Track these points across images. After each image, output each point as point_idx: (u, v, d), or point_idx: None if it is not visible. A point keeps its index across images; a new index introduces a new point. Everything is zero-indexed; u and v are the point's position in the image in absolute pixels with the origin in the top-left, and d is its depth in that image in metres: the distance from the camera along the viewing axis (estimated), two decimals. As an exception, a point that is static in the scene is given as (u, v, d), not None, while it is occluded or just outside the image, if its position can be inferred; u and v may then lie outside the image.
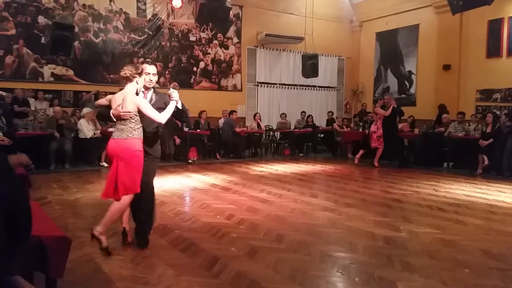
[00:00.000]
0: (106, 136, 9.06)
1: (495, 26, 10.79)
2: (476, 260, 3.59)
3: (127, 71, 3.57)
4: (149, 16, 11.34)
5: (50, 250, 2.27)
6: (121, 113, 3.48)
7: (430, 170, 9.44)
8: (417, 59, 12.71)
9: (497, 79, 10.70)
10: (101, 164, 9.09)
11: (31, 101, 9.42)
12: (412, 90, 12.90)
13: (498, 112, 10.12)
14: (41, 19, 9.91)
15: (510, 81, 10.45)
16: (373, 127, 10.03)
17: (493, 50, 10.88)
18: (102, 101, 3.86)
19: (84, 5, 10.46)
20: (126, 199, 3.54)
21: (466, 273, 3.28)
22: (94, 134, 9.06)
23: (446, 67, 11.58)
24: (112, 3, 10.83)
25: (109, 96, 3.77)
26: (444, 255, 3.71)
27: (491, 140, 8.82)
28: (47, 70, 10.03)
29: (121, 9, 10.93)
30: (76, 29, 9.97)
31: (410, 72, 12.96)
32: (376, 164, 9.97)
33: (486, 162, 8.95)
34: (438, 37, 11.90)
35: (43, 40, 9.86)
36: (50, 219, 2.81)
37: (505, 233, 4.44)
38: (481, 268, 3.39)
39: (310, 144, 12.71)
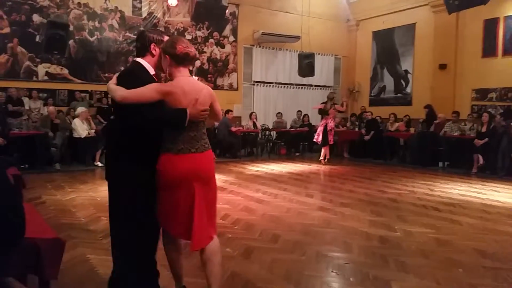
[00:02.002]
0: (100, 136, 9.11)
1: (491, 26, 10.83)
2: (470, 259, 3.60)
3: (193, 48, 2.48)
4: (144, 15, 11.30)
5: (43, 252, 2.26)
6: (203, 113, 2.40)
7: (426, 169, 9.48)
8: (413, 58, 12.74)
9: (492, 78, 10.75)
10: (95, 163, 9.06)
11: (25, 100, 9.39)
12: (408, 89, 12.93)
13: (493, 112, 10.17)
14: (36, 18, 9.85)
15: (506, 80, 10.50)
16: (332, 124, 10.16)
17: (488, 50, 10.92)
18: (144, 91, 2.27)
19: (79, 4, 10.41)
20: (216, 238, 2.55)
21: (460, 273, 3.29)
22: (89, 133, 9.02)
23: (442, 66, 11.61)
24: (107, 2, 10.77)
25: (155, 86, 2.33)
26: (439, 254, 3.72)
27: (486, 139, 8.86)
28: (41, 69, 9.97)
29: (116, 7, 10.88)
30: (71, 28, 9.91)
31: (406, 71, 12.99)
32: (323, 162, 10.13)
33: (481, 161, 8.99)
34: (435, 36, 11.93)
35: (37, 38, 9.80)
36: (44, 220, 2.79)
37: (499, 233, 4.46)
38: (474, 268, 3.40)
39: (306, 143, 12.71)
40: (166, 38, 2.53)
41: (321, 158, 10.18)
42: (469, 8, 9.34)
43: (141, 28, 11.19)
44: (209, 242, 2.47)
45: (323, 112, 10.11)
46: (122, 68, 10.39)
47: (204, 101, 2.42)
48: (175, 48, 2.40)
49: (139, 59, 2.53)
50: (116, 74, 2.49)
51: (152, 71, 2.50)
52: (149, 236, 2.52)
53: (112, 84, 2.35)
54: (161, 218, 2.49)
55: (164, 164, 2.38)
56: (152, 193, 2.44)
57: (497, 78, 10.65)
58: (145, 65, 2.50)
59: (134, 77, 2.39)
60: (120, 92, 2.28)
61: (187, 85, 2.39)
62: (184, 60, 2.42)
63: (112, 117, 9.96)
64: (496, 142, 8.69)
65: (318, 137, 10.13)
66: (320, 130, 10.08)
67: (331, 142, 10.20)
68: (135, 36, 11.82)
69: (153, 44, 2.50)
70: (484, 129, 9.13)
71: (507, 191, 6.92)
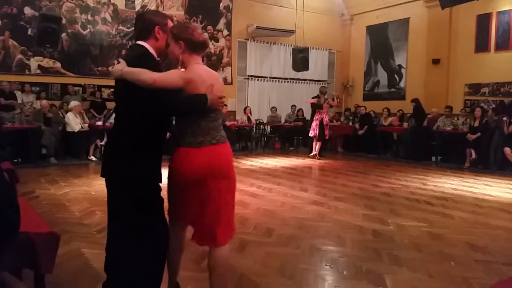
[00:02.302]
0: (94, 130, 9.08)
1: (483, 21, 10.88)
2: (461, 253, 3.65)
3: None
4: (137, 8, 11.19)
5: (38, 246, 2.26)
6: (221, 100, 2.28)
7: (419, 164, 9.55)
8: (407, 53, 12.78)
9: (485, 73, 10.82)
10: (89, 158, 9.03)
11: (18, 94, 9.31)
12: (402, 84, 12.98)
13: (485, 107, 10.25)
14: (28, 10, 9.73)
15: (498, 75, 10.57)
16: (327, 118, 10.27)
17: (481, 45, 10.97)
18: (171, 76, 2.18)
19: (71, -4, 10.31)
20: (227, 247, 2.38)
21: (452, 266, 3.33)
22: (82, 127, 8.97)
23: (436, 61, 11.66)
24: (100, -6, 10.68)
25: (179, 72, 2.26)
26: (431, 248, 3.76)
27: (479, 134, 8.94)
28: (34, 63, 9.88)
29: (109, 0, 10.78)
30: (64, 21, 9.80)
31: (400, 66, 13.03)
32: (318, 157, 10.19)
33: (474, 156, 9.08)
34: (428, 31, 11.96)
35: (29, 31, 9.69)
36: (38, 215, 2.78)
37: (490, 226, 4.52)
38: (466, 261, 3.45)
39: (301, 137, 12.73)
40: (170, 22, 2.35)
41: (316, 152, 10.22)
42: (462, 4, 9.39)
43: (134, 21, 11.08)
44: (214, 244, 2.31)
45: (317, 106, 10.11)
46: (116, 62, 10.33)
47: (219, 88, 2.29)
48: (192, 35, 2.27)
49: (142, 43, 2.31)
50: (121, 60, 2.24)
51: (155, 57, 2.34)
52: (161, 237, 2.36)
53: (128, 68, 2.14)
54: (171, 208, 2.42)
55: (181, 160, 2.25)
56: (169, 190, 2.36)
57: (490, 73, 10.71)
58: (150, 50, 2.31)
59: (147, 61, 2.21)
60: (149, 75, 2.09)
61: (204, 72, 2.29)
62: (199, 47, 2.32)
63: (106, 111, 9.92)
64: (489, 136, 8.78)
65: (314, 132, 10.11)
66: (315, 124, 10.08)
67: (327, 137, 10.28)
68: (128, 30, 11.63)
69: (158, 27, 2.30)
70: (476, 124, 9.21)
71: (498, 185, 7.00)
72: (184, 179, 2.26)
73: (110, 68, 10.30)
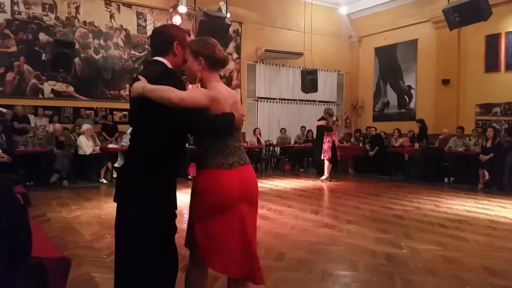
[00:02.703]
0: (105, 153, 9.16)
1: (492, 41, 10.89)
2: (478, 277, 3.55)
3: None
4: (149, 33, 11.42)
5: (50, 271, 2.26)
6: (243, 118, 2.26)
7: (431, 185, 9.42)
8: (416, 74, 12.79)
9: (496, 93, 10.76)
10: (100, 180, 9.08)
11: (31, 117, 9.47)
12: (412, 105, 12.95)
13: (498, 127, 10.14)
14: (42, 36, 10.00)
15: (509, 95, 10.49)
16: (337, 140, 10.26)
17: (491, 65, 10.95)
18: (197, 95, 2.07)
19: (84, 22, 10.57)
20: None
21: (469, 292, 3.24)
22: (94, 150, 9.05)
23: (445, 82, 11.64)
24: (112, 20, 10.94)
25: (203, 90, 2.14)
26: (446, 272, 3.67)
27: (491, 155, 8.82)
28: (47, 87, 10.08)
29: (121, 25, 11.04)
30: (77, 46, 10.04)
31: (409, 87, 13.03)
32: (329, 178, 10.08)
33: (487, 177, 8.93)
34: (437, 52, 11.99)
35: (43, 57, 9.94)
36: (49, 239, 2.79)
37: (507, 250, 4.40)
38: (483, 286, 3.35)
39: (311, 159, 12.68)
40: (188, 37, 2.25)
41: (327, 174, 10.13)
42: (470, 24, 9.41)
43: (146, 46, 11.28)
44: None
45: (327, 129, 10.07)
46: (127, 86, 10.49)
47: (240, 106, 2.25)
48: (214, 51, 2.18)
49: (160, 59, 2.19)
50: (141, 77, 2.09)
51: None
52: (172, 266, 2.23)
53: (150, 85, 2.01)
54: (193, 240, 2.17)
55: (212, 183, 2.09)
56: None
57: (501, 93, 10.65)
58: (169, 66, 2.18)
59: (173, 78, 2.10)
60: (176, 93, 1.97)
61: (225, 90, 2.20)
62: (220, 64, 2.24)
63: (118, 134, 9.98)
64: (502, 157, 8.64)
65: (328, 155, 10.01)
66: (328, 147, 10.00)
67: (339, 158, 10.25)
68: (140, 54, 11.78)
69: (177, 42, 2.19)
70: (489, 144, 9.08)
71: (514, 207, 6.85)
72: (216, 204, 2.08)
73: (121, 91, 10.44)
